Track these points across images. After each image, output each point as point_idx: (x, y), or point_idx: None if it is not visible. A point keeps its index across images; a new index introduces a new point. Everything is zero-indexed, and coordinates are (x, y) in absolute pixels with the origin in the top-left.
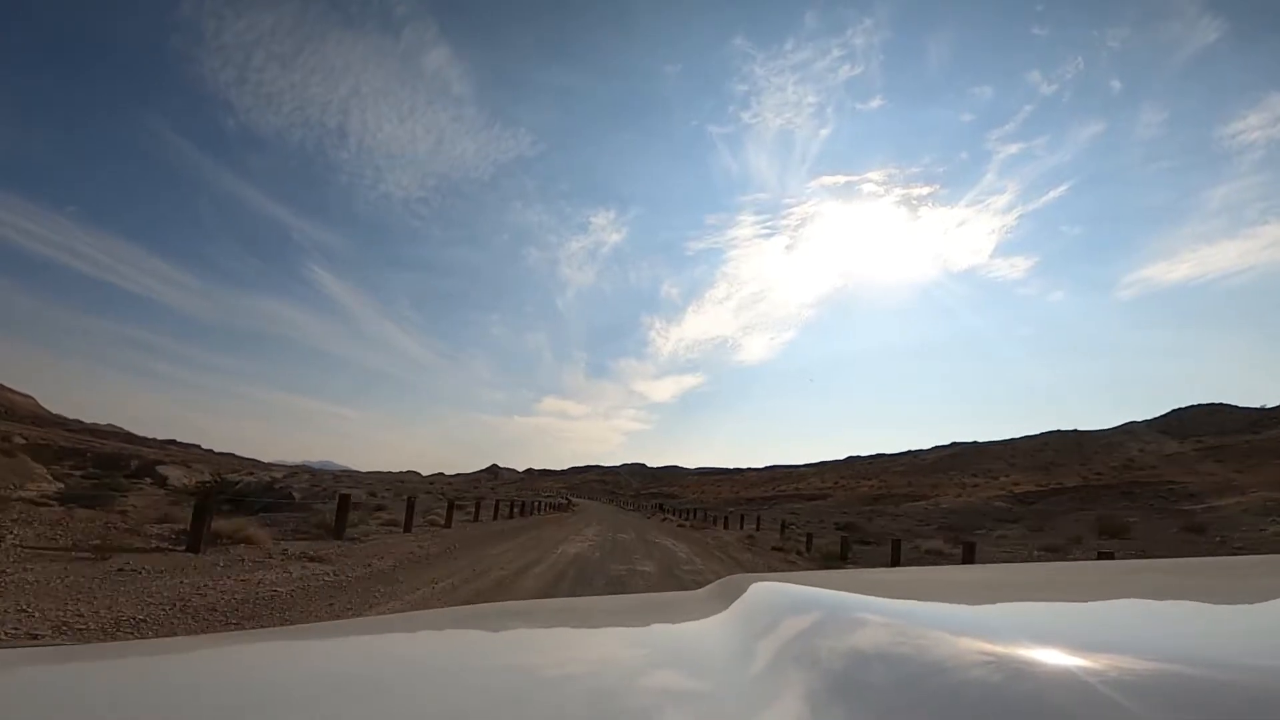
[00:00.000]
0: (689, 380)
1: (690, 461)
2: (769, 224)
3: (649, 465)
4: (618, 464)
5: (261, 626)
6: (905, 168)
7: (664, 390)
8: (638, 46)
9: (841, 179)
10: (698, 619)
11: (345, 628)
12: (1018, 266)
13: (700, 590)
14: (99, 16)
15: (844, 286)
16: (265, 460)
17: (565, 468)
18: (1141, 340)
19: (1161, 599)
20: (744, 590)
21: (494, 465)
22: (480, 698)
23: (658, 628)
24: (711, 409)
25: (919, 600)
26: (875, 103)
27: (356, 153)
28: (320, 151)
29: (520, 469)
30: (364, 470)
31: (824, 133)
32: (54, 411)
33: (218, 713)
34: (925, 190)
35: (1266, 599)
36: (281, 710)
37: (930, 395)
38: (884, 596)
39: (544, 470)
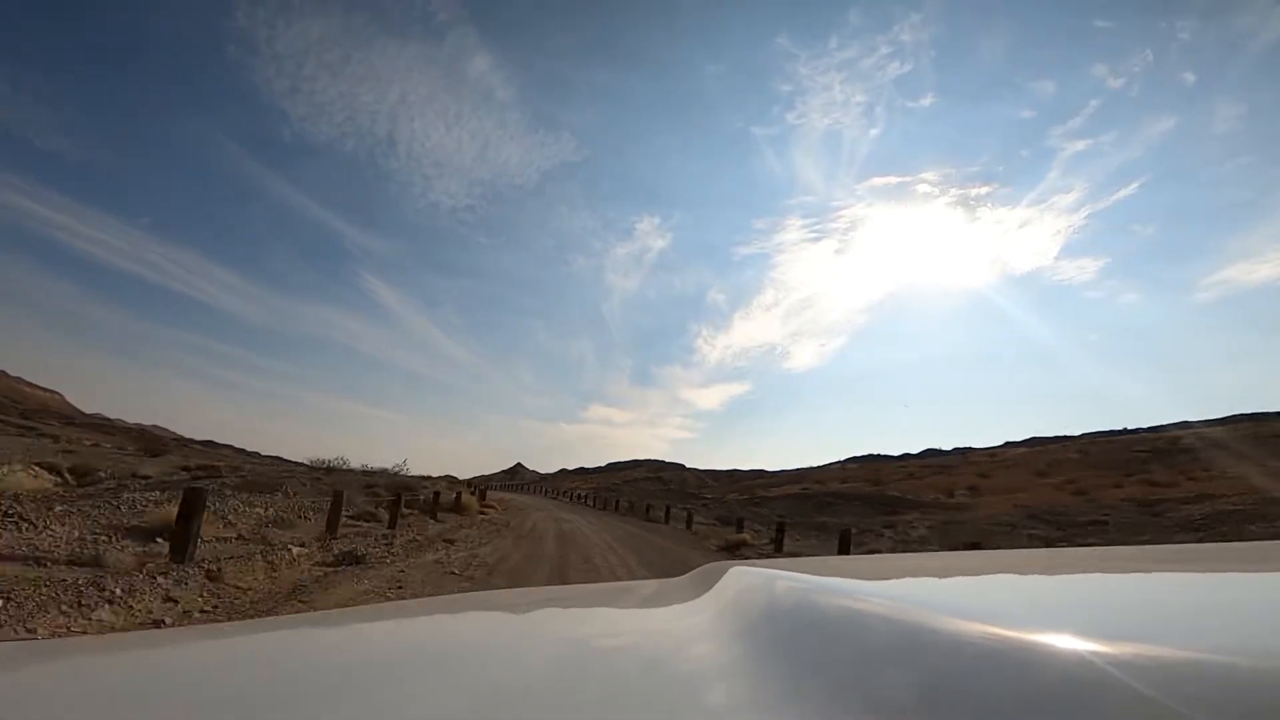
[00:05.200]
0: (735, 388)
1: (750, 466)
2: (817, 227)
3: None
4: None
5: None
6: (961, 167)
7: (710, 398)
8: (678, 47)
9: (893, 179)
10: (676, 604)
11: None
12: (1086, 268)
13: (680, 578)
14: (157, 25)
15: (897, 291)
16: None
17: (601, 465)
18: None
19: (1166, 584)
20: (722, 575)
21: (518, 465)
22: (455, 686)
23: (637, 612)
24: (757, 417)
25: (901, 584)
26: (927, 100)
27: (405, 161)
28: (371, 160)
29: (552, 470)
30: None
31: (873, 132)
32: (87, 410)
33: (239, 702)
34: (983, 190)
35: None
36: (284, 702)
37: (1001, 397)
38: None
39: (577, 469)
